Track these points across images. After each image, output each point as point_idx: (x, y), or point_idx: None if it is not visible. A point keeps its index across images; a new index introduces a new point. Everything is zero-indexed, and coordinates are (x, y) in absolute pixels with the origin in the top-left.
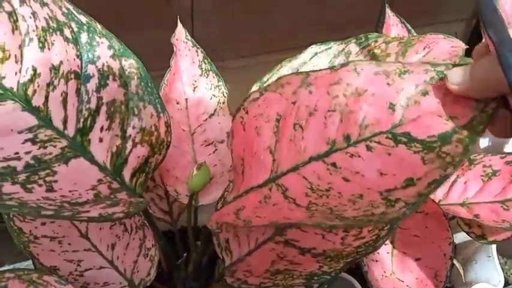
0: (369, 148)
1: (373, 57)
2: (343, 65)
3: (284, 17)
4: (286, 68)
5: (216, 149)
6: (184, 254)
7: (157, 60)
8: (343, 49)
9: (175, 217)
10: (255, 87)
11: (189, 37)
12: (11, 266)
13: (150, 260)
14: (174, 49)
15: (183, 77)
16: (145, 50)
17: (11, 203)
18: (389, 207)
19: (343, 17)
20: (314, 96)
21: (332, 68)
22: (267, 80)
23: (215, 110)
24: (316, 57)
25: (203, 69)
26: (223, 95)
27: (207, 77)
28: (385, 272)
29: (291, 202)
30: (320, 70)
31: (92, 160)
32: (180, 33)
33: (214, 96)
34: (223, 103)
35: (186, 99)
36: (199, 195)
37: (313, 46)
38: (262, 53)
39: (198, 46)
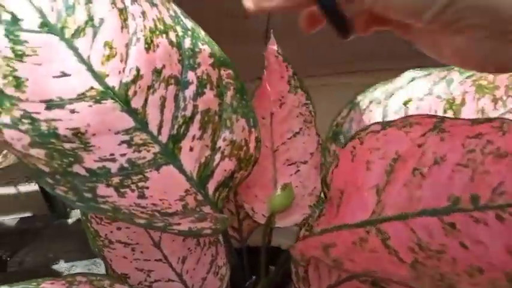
0: (499, 218)
1: (479, 88)
2: (487, 120)
3: (363, 39)
4: (380, 91)
5: (299, 170)
6: (253, 277)
7: None
8: (445, 76)
9: (244, 235)
10: (345, 109)
11: (280, 52)
12: (69, 264)
13: (220, 279)
14: (266, 63)
15: (270, 91)
16: None
17: (106, 206)
18: None
19: None
20: (446, 144)
21: (474, 120)
22: (359, 101)
23: (300, 129)
24: (414, 83)
25: (292, 85)
26: (311, 114)
27: (295, 94)
28: None
29: (392, 254)
30: (458, 119)
31: (181, 169)
32: (272, 47)
33: (301, 114)
34: (310, 122)
35: (272, 114)
36: (276, 217)
37: (411, 71)
38: (341, 73)
39: (288, 62)
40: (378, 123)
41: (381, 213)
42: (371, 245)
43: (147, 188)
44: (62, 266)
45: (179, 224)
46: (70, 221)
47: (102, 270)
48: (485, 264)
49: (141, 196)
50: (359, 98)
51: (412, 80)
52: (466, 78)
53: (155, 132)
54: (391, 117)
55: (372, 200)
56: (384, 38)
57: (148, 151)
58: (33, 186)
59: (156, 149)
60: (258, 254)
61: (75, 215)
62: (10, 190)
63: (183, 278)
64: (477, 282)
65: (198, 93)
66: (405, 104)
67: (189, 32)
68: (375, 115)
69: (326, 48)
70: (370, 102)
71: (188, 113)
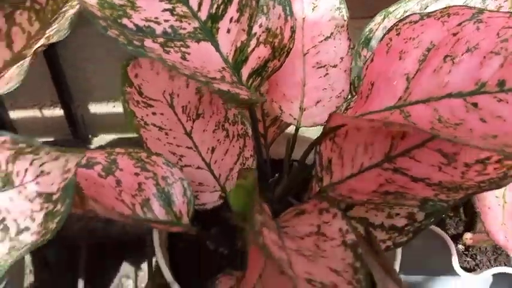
0: None
1: None
2: None
3: None
4: (416, 1)
5: (327, 73)
6: (276, 174)
7: None
8: None
9: (269, 141)
10: (379, 16)
11: None
12: None
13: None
14: None
15: None
16: None
17: (153, 55)
18: None
19: None
20: (480, 33)
21: None
22: (393, 10)
23: (331, 33)
24: None
25: None
26: (344, 18)
27: None
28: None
29: (410, 123)
30: (497, 11)
31: (217, 48)
32: None
33: (334, 18)
34: (342, 27)
35: (304, 18)
36: (302, 117)
37: None
38: (359, 17)
39: None
40: (416, 13)
41: (407, 99)
42: (390, 119)
43: (189, 53)
44: None
45: (219, 83)
46: (92, 147)
47: None
48: (501, 132)
49: (183, 58)
50: (393, 7)
51: None
52: None
53: (195, 8)
54: None
55: (400, 88)
56: None
57: (189, 24)
58: (57, 111)
59: (196, 24)
60: (281, 164)
61: (97, 141)
62: (35, 113)
63: (210, 167)
64: (489, 143)
65: None
66: None
67: None
68: None
69: None
70: (405, 12)
71: None
